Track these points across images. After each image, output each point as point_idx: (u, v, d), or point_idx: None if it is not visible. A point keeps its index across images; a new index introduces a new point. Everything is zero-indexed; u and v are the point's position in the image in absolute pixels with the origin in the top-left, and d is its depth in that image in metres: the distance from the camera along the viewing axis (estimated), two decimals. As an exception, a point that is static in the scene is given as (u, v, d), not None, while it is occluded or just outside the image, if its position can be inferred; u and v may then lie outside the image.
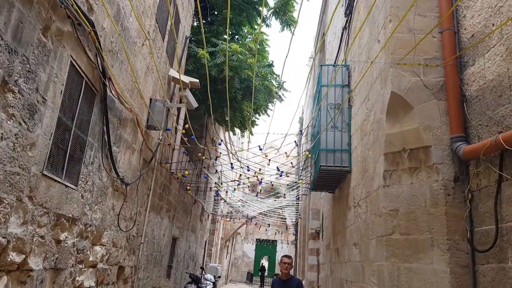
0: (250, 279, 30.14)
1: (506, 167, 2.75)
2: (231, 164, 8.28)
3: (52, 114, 3.20)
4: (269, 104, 13.40)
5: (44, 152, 3.12)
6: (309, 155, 8.95)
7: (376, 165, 4.14)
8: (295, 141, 7.72)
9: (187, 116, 7.82)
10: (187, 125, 7.51)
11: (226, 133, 15.98)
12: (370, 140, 4.52)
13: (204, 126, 12.40)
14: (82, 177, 3.93)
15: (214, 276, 14.25)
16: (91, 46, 3.87)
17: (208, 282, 12.90)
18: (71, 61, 3.53)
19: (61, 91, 3.35)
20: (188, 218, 11.41)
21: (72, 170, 3.71)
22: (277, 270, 32.15)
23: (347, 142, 5.65)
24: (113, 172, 4.80)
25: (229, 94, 10.27)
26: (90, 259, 4.38)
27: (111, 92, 4.46)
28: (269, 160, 7.73)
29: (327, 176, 5.95)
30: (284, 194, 12.29)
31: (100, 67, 4.10)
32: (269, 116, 13.56)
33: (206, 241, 17.27)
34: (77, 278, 4.03)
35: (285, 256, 5.19)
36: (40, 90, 3.01)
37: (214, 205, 16.64)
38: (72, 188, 3.70)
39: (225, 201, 17.44)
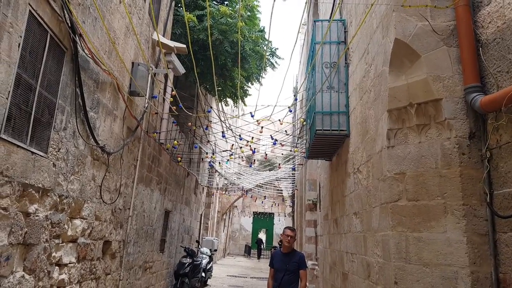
0: (248, 252, 30.42)
1: (532, 117, 2.38)
2: (222, 132, 7.89)
3: (8, 70, 2.76)
4: (262, 72, 12.90)
5: (0, 113, 2.69)
6: (304, 123, 8.58)
7: (379, 124, 3.77)
8: (288, 107, 7.31)
9: (173, 85, 7.37)
10: (174, 92, 7.06)
11: (219, 104, 15.50)
12: (370, 98, 4.13)
13: (195, 96, 11.92)
14: (53, 144, 3.53)
15: (210, 250, 14.16)
16: (55, -5, 3.38)
17: (204, 255, 12.79)
18: (30, 11, 3.05)
19: (19, 44, 2.89)
20: (181, 191, 11.12)
21: (39, 135, 3.30)
22: (275, 242, 32.47)
23: (344, 104, 5.26)
24: (91, 139, 4.40)
25: (219, 60, 9.76)
26: (69, 233, 4.05)
27: (83, 50, 3.99)
28: (262, 127, 7.34)
29: (324, 141, 5.59)
30: (279, 164, 11.98)
31: (68, 22, 3.62)
32: (261, 84, 13.08)
33: (201, 215, 17.12)
34: (53, 254, 3.70)
35: (288, 228, 4.89)
36: (-11, 39, 2.55)
37: (208, 178, 16.38)
38: (41, 156, 3.31)
39: (219, 173, 17.18)
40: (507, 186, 2.61)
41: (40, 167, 3.30)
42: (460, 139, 3.02)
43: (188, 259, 10.54)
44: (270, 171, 16.47)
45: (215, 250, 16.14)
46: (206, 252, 13.26)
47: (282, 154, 10.33)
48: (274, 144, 7.45)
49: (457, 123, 3.03)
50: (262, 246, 30.25)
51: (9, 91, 2.76)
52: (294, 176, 15.63)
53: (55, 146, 3.56)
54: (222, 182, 20.94)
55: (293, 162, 13.97)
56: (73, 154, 3.96)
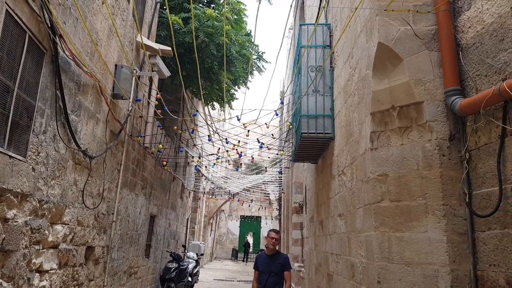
0: (235, 256, 30.29)
1: (510, 120, 2.43)
2: (209, 136, 7.84)
3: (-16, 71, 2.69)
4: (249, 76, 12.92)
5: (-25, 116, 2.62)
6: (291, 126, 8.61)
7: (362, 127, 3.80)
8: (275, 111, 7.32)
9: (157, 88, 7.29)
10: (158, 95, 7.00)
11: (206, 108, 15.43)
12: (354, 101, 4.16)
13: (181, 99, 11.84)
14: (32, 148, 3.44)
15: (197, 254, 14.02)
16: (35, -5, 3.31)
17: (190, 260, 12.66)
18: (7, 10, 2.98)
19: (-5, 44, 2.82)
20: (167, 195, 11.01)
21: (18, 139, 3.22)
22: (262, 245, 32.40)
23: (329, 107, 5.29)
24: (73, 143, 4.31)
25: (205, 64, 9.72)
26: (50, 239, 3.95)
27: (64, 52, 3.92)
28: (248, 131, 7.33)
29: (309, 144, 5.61)
30: (266, 168, 11.97)
31: (48, 22, 3.55)
32: (248, 88, 13.10)
33: (188, 219, 16.98)
34: (33, 261, 3.60)
35: (273, 230, 4.89)
36: (-36, 39, 2.48)
37: (195, 182, 16.26)
38: (19, 160, 3.22)
39: (205, 177, 17.08)
40: (485, 186, 2.66)
41: (18, 172, 3.22)
42: (441, 141, 3.06)
43: (174, 264, 10.42)
44: (257, 174, 16.47)
45: (202, 254, 15.99)
46: (193, 257, 13.12)
47: (269, 157, 10.34)
48: (261, 147, 7.44)
49: (438, 125, 3.08)
50: (249, 250, 30.15)
51: (-15, 93, 2.68)
52: (281, 179, 15.66)
53: (34, 150, 3.47)
54: (209, 186, 20.83)
55: (280, 165, 14.00)
56: (53, 158, 3.88)
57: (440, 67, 3.15)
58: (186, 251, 13.55)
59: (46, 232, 3.85)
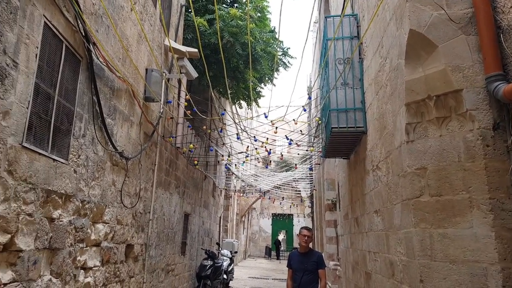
0: (268, 253, 30.25)
1: (558, 103, 2.29)
2: (237, 134, 7.90)
3: (27, 80, 2.84)
4: (275, 73, 12.88)
5: (21, 122, 2.77)
6: (320, 121, 8.52)
7: (397, 119, 3.70)
8: (303, 107, 7.26)
9: (186, 90, 7.41)
10: (187, 97, 7.12)
11: (233, 107, 15.54)
12: (387, 93, 4.06)
13: (209, 100, 11.99)
14: (73, 151, 3.60)
15: (231, 252, 14.16)
16: (69, 7, 3.45)
17: (224, 257, 12.79)
18: (45, 22, 3.13)
19: (36, 55, 2.97)
20: (199, 194, 11.19)
21: (60, 143, 3.37)
22: (295, 243, 32.26)
23: (360, 100, 5.19)
24: (110, 145, 4.47)
25: (231, 63, 9.79)
26: (92, 237, 4.12)
27: (98, 59, 4.06)
28: (276, 128, 7.32)
29: (340, 139, 5.53)
30: (296, 165, 11.91)
31: (82, 31, 3.70)
32: (274, 85, 13.07)
33: (220, 217, 17.18)
34: (78, 258, 3.77)
35: (305, 228, 4.86)
36: (8, 52, 2.63)
37: (226, 180, 16.44)
38: (62, 162, 3.38)
39: (236, 176, 17.22)
40: (535, 176, 2.52)
41: (61, 174, 3.37)
42: (484, 131, 2.93)
43: (209, 261, 10.57)
44: (286, 171, 16.42)
45: (236, 252, 16.14)
46: (227, 254, 13.27)
47: (298, 154, 10.27)
48: (290, 144, 7.41)
49: (480, 114, 2.95)
50: (281, 247, 30.09)
51: (28, 101, 2.83)
52: (312, 176, 15.53)
53: (75, 153, 3.63)
54: (240, 185, 20.99)
55: (310, 162, 13.89)
56: (92, 160, 4.04)
57: (479, 52, 3.02)
58: (220, 249, 13.72)
59: (89, 230, 4.01)
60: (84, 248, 3.93)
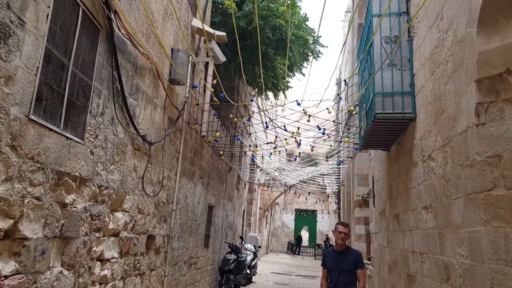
0: (291, 249, 29.86)
1: None
2: (266, 123, 7.43)
3: (35, 43, 2.46)
4: (304, 63, 12.32)
5: (28, 91, 2.40)
6: (354, 112, 7.93)
7: (462, 99, 3.14)
8: (338, 94, 6.71)
9: (216, 73, 7.00)
10: (214, 81, 6.71)
11: (260, 98, 15.04)
12: (447, 70, 3.49)
13: (235, 88, 11.56)
14: (90, 130, 3.24)
15: (254, 246, 13.82)
16: (89, -34, 3.07)
17: (248, 252, 12.47)
18: (59, -21, 2.75)
19: (47, 15, 2.59)
20: (223, 186, 10.83)
21: (74, 120, 3.01)
22: (318, 240, 31.63)
23: (409, 83, 4.61)
24: (131, 127, 4.11)
25: (260, 50, 9.32)
26: (110, 226, 3.77)
27: (119, 30, 3.68)
28: (309, 116, 6.80)
29: (384, 127, 4.97)
30: (326, 157, 11.33)
31: (103, -4, 3.32)
32: (304, 75, 12.49)
33: (244, 211, 16.84)
34: (94, 248, 3.43)
35: (341, 224, 4.36)
36: (13, 7, 2.26)
37: (250, 174, 16.04)
38: (77, 142, 3.02)
39: (261, 169, 16.79)
40: None
41: (76, 154, 3.01)
42: None
43: (233, 255, 10.25)
44: (315, 166, 15.84)
45: (259, 247, 15.79)
46: (250, 249, 12.93)
47: (331, 146, 9.71)
48: (323, 134, 6.88)
49: None
50: (301, 243, 29.68)
51: (37, 67, 2.46)
52: (340, 171, 14.90)
53: (92, 132, 3.27)
54: (264, 178, 20.56)
55: (338, 156, 13.26)
56: (112, 142, 3.67)
57: None
58: (243, 242, 13.39)
59: (107, 219, 3.67)
60: (101, 238, 3.59)
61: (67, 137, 2.85)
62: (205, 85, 7.66)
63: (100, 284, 3.61)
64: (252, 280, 12.47)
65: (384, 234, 6.62)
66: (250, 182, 17.44)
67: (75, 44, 2.92)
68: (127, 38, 3.85)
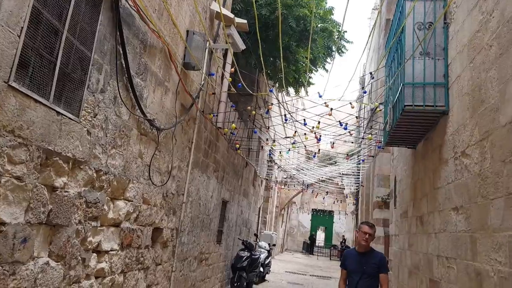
0: (306, 249, 29.52)
1: None
2: (285, 116, 7.06)
3: None
4: (328, 58, 11.87)
5: (8, 54, 2.12)
6: (379, 109, 7.46)
7: (507, 86, 2.70)
8: (362, 87, 6.27)
9: (234, 62, 6.69)
10: (232, 69, 6.40)
11: (280, 94, 14.64)
12: (490, 56, 3.05)
13: (255, 82, 11.22)
14: (87, 107, 2.97)
15: (269, 244, 13.50)
16: None
17: (262, 249, 12.16)
18: None
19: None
20: (239, 181, 10.53)
21: (69, 93, 2.74)
22: (334, 241, 31.07)
23: (442, 73, 4.16)
24: (138, 110, 3.83)
25: (282, 42, 8.95)
26: (110, 216, 3.51)
27: (126, 0, 3.40)
28: (331, 109, 6.40)
29: (412, 121, 4.53)
30: (347, 155, 10.85)
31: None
32: (327, 71, 12.03)
33: (260, 208, 16.52)
34: (89, 239, 3.17)
35: (366, 223, 3.97)
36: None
37: (268, 170, 15.70)
38: (70, 119, 2.75)
39: (278, 166, 16.42)
40: None
41: (69, 133, 2.74)
42: None
43: (246, 253, 9.94)
44: (334, 164, 15.34)
45: (274, 245, 15.45)
46: (265, 247, 12.61)
47: (352, 143, 9.26)
48: (345, 129, 6.46)
49: None
50: (314, 244, 29.47)
51: (21, 27, 2.18)
52: (359, 171, 14.37)
53: (89, 110, 3.00)
54: (281, 176, 20.18)
55: (359, 155, 12.75)
56: (114, 124, 3.40)
57: None
58: (258, 240, 13.08)
59: (105, 207, 3.40)
60: (99, 228, 3.32)
61: (58, 112, 2.58)
62: (222, 74, 7.36)
63: (96, 278, 3.35)
64: (266, 278, 12.15)
65: (405, 237, 6.17)
66: (267, 179, 17.10)
67: (71, 8, 2.64)
68: (135, 11, 3.57)
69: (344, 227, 31.13)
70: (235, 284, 9.43)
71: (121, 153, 3.60)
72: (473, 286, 3.13)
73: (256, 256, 10.61)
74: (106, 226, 3.47)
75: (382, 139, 7.02)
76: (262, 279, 11.72)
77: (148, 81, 4.08)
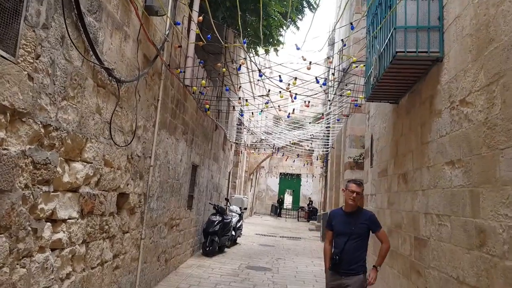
0: (274, 211, 30.13)
1: None
2: (259, 70, 6.56)
3: None
4: (299, 15, 11.32)
5: None
6: (355, 65, 7.11)
7: (527, 18, 2.37)
8: (351, 23, 5.84)
9: (200, 25, 5.99)
10: (200, 17, 5.75)
11: (248, 55, 13.94)
12: (503, -14, 2.69)
13: (224, 40, 10.48)
14: (26, 45, 2.35)
15: (240, 208, 13.37)
16: None
17: (233, 213, 12.00)
18: None
19: None
20: (209, 145, 10.06)
21: (-1, 25, 2.12)
22: (301, 203, 31.78)
23: (437, 16, 3.80)
24: (92, 56, 3.21)
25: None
26: (65, 179, 2.98)
27: None
28: (310, 63, 5.96)
29: (400, 70, 4.20)
30: (323, 114, 10.57)
31: None
32: (298, 29, 11.48)
33: (230, 173, 16.23)
34: (41, 206, 2.65)
35: (353, 181, 3.67)
36: None
37: (237, 134, 15.26)
38: (3, 57, 2.14)
39: (248, 129, 16.03)
40: None
41: (3, 76, 2.15)
42: None
43: (218, 217, 9.71)
44: (303, 128, 15.13)
45: (245, 209, 15.37)
46: (236, 210, 12.45)
47: (330, 100, 8.95)
48: (324, 84, 6.08)
49: None
50: (282, 207, 30.27)
51: None
52: (329, 133, 14.27)
53: (30, 49, 2.38)
54: (251, 140, 19.86)
55: (334, 115, 12.57)
56: (63, 70, 2.80)
57: None
58: (229, 204, 12.88)
59: (59, 169, 2.86)
60: (52, 193, 2.80)
61: (-17, 47, 1.98)
62: (189, 26, 6.67)
63: (52, 250, 2.87)
64: (237, 242, 12.07)
65: (384, 195, 6.05)
66: (236, 143, 16.72)
67: None
68: None
69: (311, 189, 31.87)
70: (207, 249, 9.24)
71: (74, 106, 3.02)
72: (472, 244, 2.93)
73: (228, 220, 10.41)
74: (61, 191, 2.94)
75: (361, 95, 6.73)
76: (234, 242, 11.63)
77: (104, 22, 3.43)
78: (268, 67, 6.66)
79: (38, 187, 2.60)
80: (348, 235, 3.53)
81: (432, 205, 3.83)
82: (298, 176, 32.67)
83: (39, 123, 2.55)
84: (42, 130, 2.59)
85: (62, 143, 2.88)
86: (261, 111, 9.26)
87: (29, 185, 2.49)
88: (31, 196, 2.52)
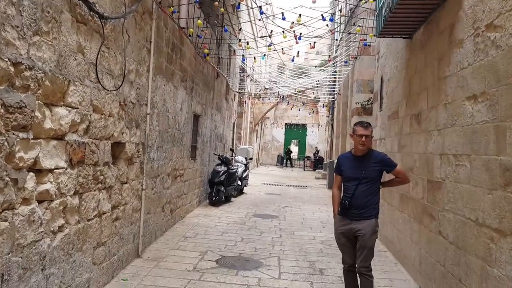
0: (280, 162, 30.25)
1: None
2: (260, 8, 6.03)
3: None
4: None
5: None
6: (364, 0, 6.51)
7: None
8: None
9: None
10: None
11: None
12: None
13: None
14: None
15: (246, 158, 13.28)
16: None
17: (239, 164, 11.92)
18: None
19: None
20: (211, 94, 9.69)
21: None
22: (308, 153, 31.79)
23: None
24: (65, -16, 2.80)
25: None
26: (47, 126, 2.71)
27: None
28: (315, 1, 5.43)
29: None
30: (329, 56, 10.05)
31: None
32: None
33: (234, 123, 15.97)
34: (19, 154, 2.40)
35: (360, 124, 3.35)
36: None
37: (240, 83, 14.80)
38: None
39: (252, 79, 15.53)
40: None
41: None
42: None
43: (223, 167, 9.60)
44: (308, 75, 14.56)
45: (251, 159, 15.30)
46: (241, 161, 12.36)
47: (337, 40, 8.41)
48: (331, 20, 5.58)
49: None
50: (290, 157, 30.19)
51: None
52: (335, 80, 13.74)
53: (-19, -32, 2.00)
54: (255, 89, 19.36)
55: (334, 64, 12.00)
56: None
57: None
58: (234, 155, 12.77)
59: (38, 114, 2.59)
60: (32, 141, 2.54)
61: None
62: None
63: (40, 202, 2.67)
64: (244, 191, 12.09)
65: (394, 139, 5.78)
66: (240, 93, 16.30)
67: None
68: None
69: (317, 139, 31.72)
70: (214, 199, 9.22)
71: (50, 42, 2.67)
72: (495, 183, 2.68)
73: (234, 170, 10.33)
74: (44, 139, 2.69)
75: (370, 34, 6.23)
76: (240, 192, 11.65)
77: None
78: (269, 3, 6.12)
79: (13, 133, 2.34)
80: (359, 179, 3.30)
81: (449, 145, 3.55)
82: (304, 126, 32.39)
83: (7, 60, 2.23)
84: (12, 69, 2.28)
85: (39, 84, 2.57)
86: (264, 55, 8.76)
87: (1, 130, 2.23)
88: (6, 143, 2.27)
